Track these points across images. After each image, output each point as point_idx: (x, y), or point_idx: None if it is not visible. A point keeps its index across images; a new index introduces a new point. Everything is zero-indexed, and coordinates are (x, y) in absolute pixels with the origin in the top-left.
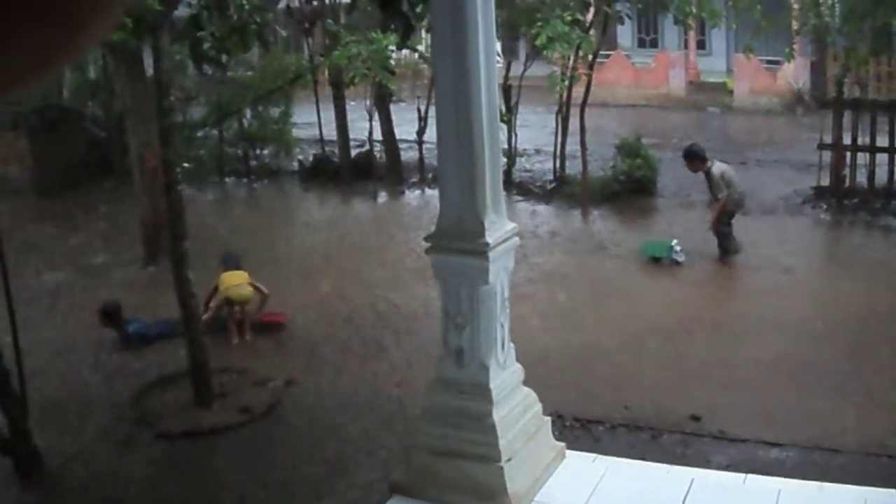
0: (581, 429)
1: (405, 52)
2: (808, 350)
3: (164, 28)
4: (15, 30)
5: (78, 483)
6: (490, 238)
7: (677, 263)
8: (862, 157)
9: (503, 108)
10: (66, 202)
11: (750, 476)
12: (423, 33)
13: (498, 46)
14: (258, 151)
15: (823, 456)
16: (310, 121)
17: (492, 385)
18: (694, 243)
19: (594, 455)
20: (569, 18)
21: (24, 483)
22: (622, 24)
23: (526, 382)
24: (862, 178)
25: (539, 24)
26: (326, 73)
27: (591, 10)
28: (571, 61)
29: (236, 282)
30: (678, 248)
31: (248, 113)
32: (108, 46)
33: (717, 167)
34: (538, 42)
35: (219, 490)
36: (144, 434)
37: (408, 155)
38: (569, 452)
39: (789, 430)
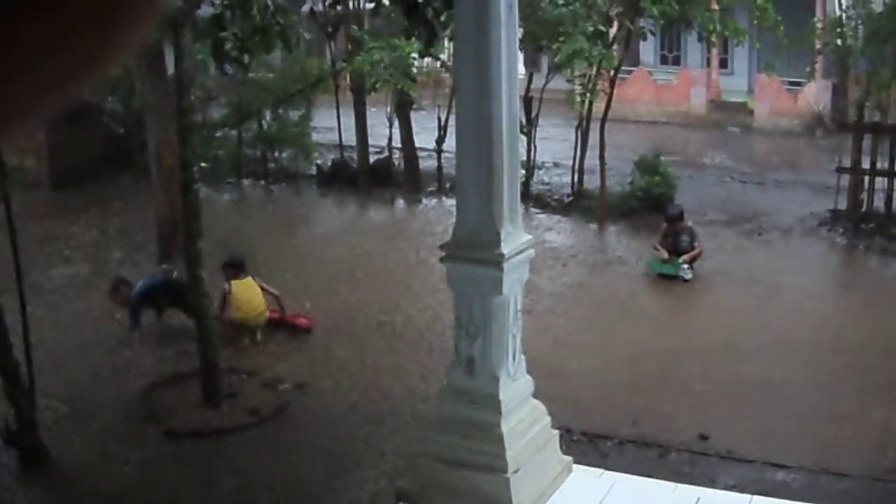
0: (589, 443)
1: (427, 60)
2: (819, 373)
3: (187, 26)
4: (63, 34)
5: (82, 477)
6: (505, 249)
7: (685, 280)
8: (880, 182)
9: (523, 120)
10: (82, 197)
11: (756, 497)
12: (446, 42)
13: (520, 58)
14: (276, 154)
15: (830, 479)
16: (329, 125)
17: (501, 396)
18: (706, 262)
19: (601, 470)
20: (590, 30)
21: (29, 475)
22: (645, 39)
23: (535, 395)
24: (879, 203)
25: (561, 38)
26: (348, 78)
27: (615, 24)
28: (592, 76)
29: (255, 304)
30: (685, 265)
31: (268, 115)
32: None
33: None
34: (557, 59)
35: (222, 490)
36: (152, 432)
37: (426, 163)
38: (576, 466)
39: (797, 453)
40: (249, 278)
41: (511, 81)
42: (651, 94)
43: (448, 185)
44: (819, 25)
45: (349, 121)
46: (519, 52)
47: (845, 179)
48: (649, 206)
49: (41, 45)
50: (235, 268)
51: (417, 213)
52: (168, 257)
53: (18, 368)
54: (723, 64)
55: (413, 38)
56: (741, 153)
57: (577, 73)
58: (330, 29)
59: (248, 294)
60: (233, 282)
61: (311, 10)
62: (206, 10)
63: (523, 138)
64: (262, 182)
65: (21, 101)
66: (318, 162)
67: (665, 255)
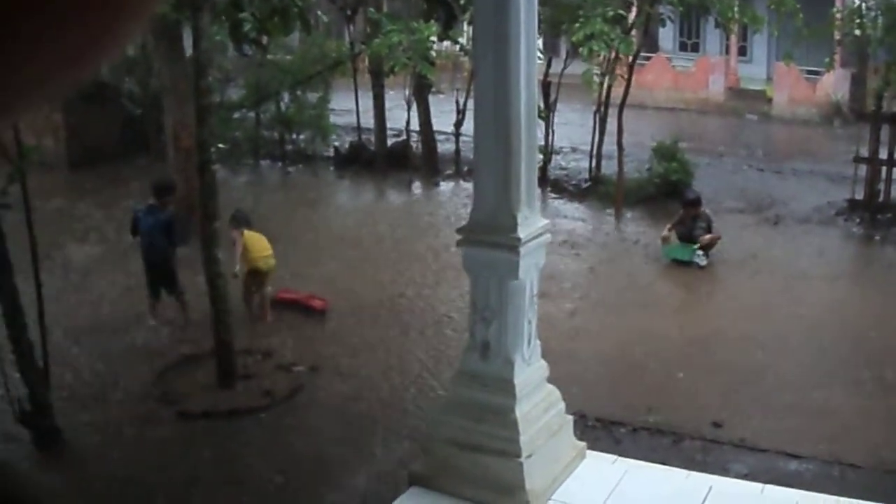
0: (603, 429)
1: (446, 43)
2: (833, 363)
3: (205, 7)
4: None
5: (96, 458)
6: (522, 233)
7: (700, 267)
8: None
9: (541, 105)
10: (99, 177)
11: (768, 486)
12: (465, 25)
13: (539, 42)
14: (294, 136)
15: (843, 470)
16: (347, 108)
17: (516, 380)
18: (721, 250)
19: (614, 456)
20: (609, 14)
21: (42, 456)
22: (664, 26)
23: (549, 380)
24: None
25: (580, 20)
26: (367, 60)
27: (634, 10)
28: (610, 61)
29: (261, 246)
30: (700, 252)
31: (286, 97)
32: (148, 24)
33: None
34: (574, 38)
35: (235, 471)
36: (165, 412)
37: (444, 147)
38: (589, 452)
39: (810, 443)
40: (263, 238)
41: (529, 65)
42: (669, 80)
43: (466, 169)
44: (838, 15)
45: (367, 103)
46: (538, 37)
47: (863, 169)
48: (666, 192)
49: (44, 29)
50: (241, 221)
51: (434, 197)
52: (184, 238)
53: (33, 349)
54: (741, 52)
55: (432, 21)
56: (759, 141)
57: (595, 55)
58: (349, 11)
59: (255, 239)
60: (248, 235)
61: None
62: None
63: (541, 123)
64: (280, 164)
65: (24, 84)
66: (336, 144)
67: (674, 240)
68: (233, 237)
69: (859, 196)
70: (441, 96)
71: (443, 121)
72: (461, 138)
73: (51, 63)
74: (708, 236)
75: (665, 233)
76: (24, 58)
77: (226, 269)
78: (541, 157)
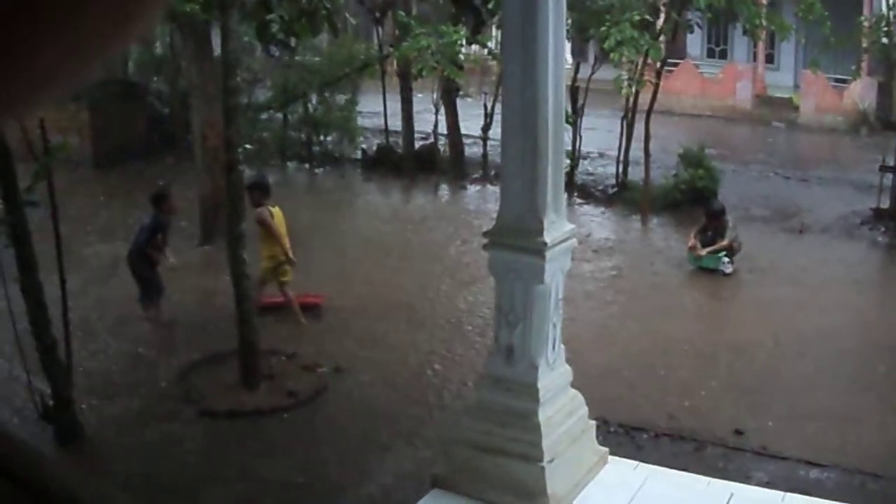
0: (625, 435)
1: (474, 47)
2: (856, 373)
3: (234, 7)
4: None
5: (116, 455)
6: (548, 238)
7: (725, 275)
8: None
9: (569, 110)
10: (124, 176)
11: (789, 494)
12: (494, 30)
13: (567, 47)
14: (321, 137)
15: (864, 479)
16: (375, 110)
17: (540, 384)
18: (747, 257)
19: (636, 462)
20: (637, 19)
21: (64, 451)
22: (692, 32)
23: (572, 384)
24: None
25: (608, 24)
26: (395, 63)
27: (662, 16)
28: (639, 67)
29: (285, 227)
30: (726, 259)
31: (314, 98)
32: (177, 23)
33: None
34: (605, 45)
35: (257, 470)
36: (188, 411)
37: (472, 150)
38: (611, 458)
39: (831, 451)
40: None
41: (557, 70)
42: (697, 87)
43: (493, 173)
44: (866, 23)
45: (395, 106)
46: (566, 42)
47: (888, 178)
48: (692, 199)
49: (61, 20)
50: (263, 190)
51: (461, 200)
52: (209, 238)
53: (56, 345)
54: (769, 59)
55: (460, 25)
56: (785, 149)
57: (624, 60)
58: (377, 14)
59: (280, 217)
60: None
61: None
62: None
63: (569, 128)
64: (307, 165)
65: (39, 76)
66: (363, 146)
67: (701, 250)
68: (262, 218)
69: (885, 205)
70: (469, 100)
71: (470, 124)
72: (489, 142)
73: (73, 48)
74: (720, 244)
75: (692, 241)
76: (46, 46)
77: (252, 270)
78: (568, 161)
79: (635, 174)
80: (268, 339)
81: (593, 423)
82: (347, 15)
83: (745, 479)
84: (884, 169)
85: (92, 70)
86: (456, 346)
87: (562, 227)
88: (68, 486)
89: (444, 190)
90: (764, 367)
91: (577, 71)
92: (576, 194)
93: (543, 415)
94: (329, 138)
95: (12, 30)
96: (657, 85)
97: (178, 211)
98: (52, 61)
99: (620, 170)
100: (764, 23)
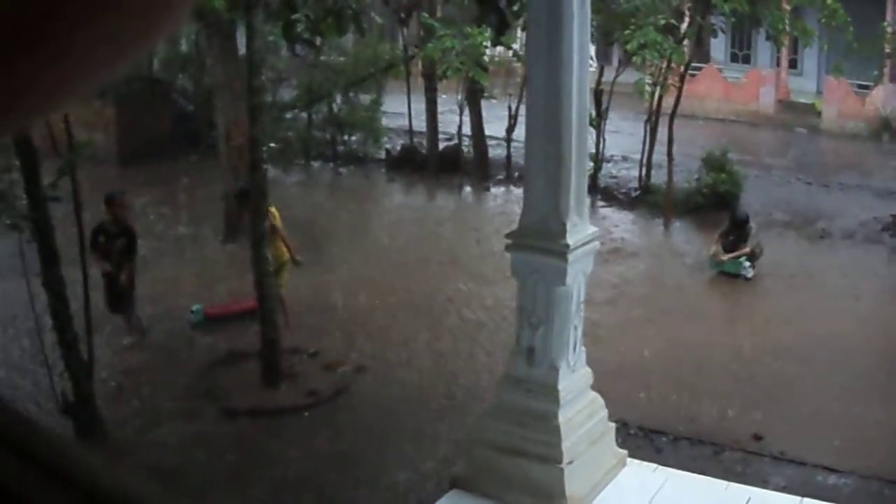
0: (644, 438)
1: (499, 49)
2: (876, 380)
3: (259, 7)
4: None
5: (137, 450)
6: (571, 240)
7: (746, 279)
8: None
9: (593, 113)
10: (149, 173)
11: (807, 499)
12: (519, 31)
13: (592, 50)
14: (346, 137)
15: (881, 486)
16: (400, 111)
17: (560, 386)
18: (768, 262)
19: (655, 465)
20: (662, 22)
21: (84, 447)
22: (716, 36)
23: (593, 387)
24: None
25: (632, 27)
26: (420, 64)
27: (686, 20)
28: (662, 70)
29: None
30: (747, 264)
31: (339, 98)
32: (203, 21)
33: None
34: (629, 47)
35: (277, 468)
36: (209, 409)
37: (495, 152)
38: (630, 460)
39: (849, 457)
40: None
41: (582, 73)
42: (720, 91)
43: (516, 175)
44: (889, 29)
45: (420, 107)
46: (591, 45)
47: None
48: (715, 203)
49: (82, 20)
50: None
51: (485, 201)
52: (233, 236)
53: (77, 340)
54: (792, 64)
55: (485, 27)
56: (807, 154)
57: (647, 64)
58: (402, 15)
59: (278, 219)
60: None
61: None
62: None
63: (592, 131)
64: (331, 165)
65: (63, 76)
66: (388, 147)
67: (723, 256)
68: (272, 222)
69: None
70: (493, 101)
71: (495, 126)
72: (513, 144)
73: (101, 47)
74: (742, 250)
75: (714, 248)
76: (79, 41)
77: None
78: (591, 164)
79: (658, 178)
80: (289, 337)
81: (613, 425)
82: (373, 15)
83: (763, 483)
84: None
85: (123, 67)
86: (476, 347)
87: (584, 229)
88: (119, 487)
89: (468, 191)
90: (784, 372)
91: (601, 74)
92: (599, 197)
93: (563, 416)
94: (353, 138)
95: (48, 23)
96: (681, 89)
97: (128, 211)
98: (85, 56)
99: (643, 173)
100: (787, 28)
